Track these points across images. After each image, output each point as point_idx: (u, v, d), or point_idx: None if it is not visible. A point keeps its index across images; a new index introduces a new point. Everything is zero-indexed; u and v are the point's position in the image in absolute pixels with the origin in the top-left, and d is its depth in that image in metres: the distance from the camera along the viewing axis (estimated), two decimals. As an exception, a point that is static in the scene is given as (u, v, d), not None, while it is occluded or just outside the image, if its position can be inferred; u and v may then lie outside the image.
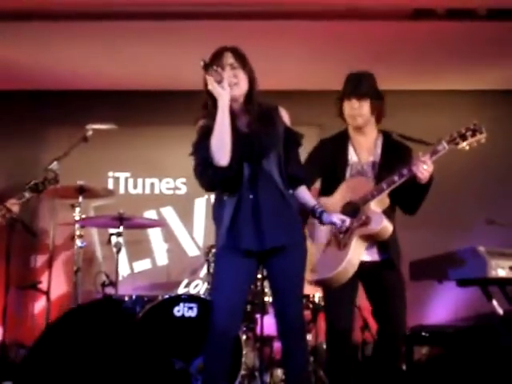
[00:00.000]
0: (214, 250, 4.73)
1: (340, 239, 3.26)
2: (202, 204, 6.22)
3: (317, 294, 4.47)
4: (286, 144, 2.96)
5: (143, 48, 5.45)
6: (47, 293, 5.17)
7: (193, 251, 6.18)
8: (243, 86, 2.89)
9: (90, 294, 5.14)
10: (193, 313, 4.24)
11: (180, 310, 4.25)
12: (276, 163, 2.91)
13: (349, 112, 3.44)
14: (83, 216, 4.90)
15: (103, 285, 4.74)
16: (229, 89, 2.81)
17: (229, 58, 2.90)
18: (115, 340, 3.33)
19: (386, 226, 3.24)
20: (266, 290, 4.33)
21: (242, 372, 4.14)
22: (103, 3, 4.86)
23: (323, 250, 3.30)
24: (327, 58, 5.48)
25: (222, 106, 2.79)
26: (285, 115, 3.02)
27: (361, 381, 3.68)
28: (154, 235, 6.15)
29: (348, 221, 3.05)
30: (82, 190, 4.86)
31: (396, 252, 3.39)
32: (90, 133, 4.54)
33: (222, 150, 2.78)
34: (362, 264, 3.27)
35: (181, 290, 5.72)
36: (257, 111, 2.92)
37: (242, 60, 2.92)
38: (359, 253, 3.26)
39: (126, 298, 4.53)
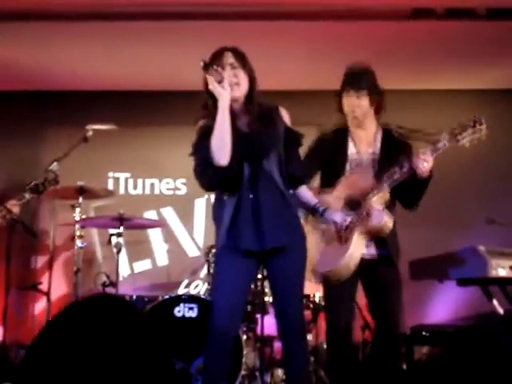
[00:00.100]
0: (214, 251, 4.73)
1: (341, 234, 3.27)
2: (202, 204, 6.22)
3: (317, 294, 4.47)
4: (286, 144, 2.96)
5: (143, 48, 5.45)
6: (47, 293, 5.16)
7: (193, 252, 6.18)
8: (244, 86, 2.89)
9: (90, 294, 5.14)
10: (193, 313, 4.25)
11: (180, 311, 4.26)
12: (276, 163, 2.91)
13: (347, 105, 3.45)
14: (83, 216, 4.91)
15: (103, 285, 4.75)
16: (229, 88, 2.81)
17: (229, 58, 2.90)
18: (116, 338, 3.33)
19: (386, 221, 3.24)
20: (267, 290, 4.33)
21: (243, 372, 4.15)
22: (103, 4, 4.86)
23: (325, 245, 3.31)
24: (327, 58, 5.48)
25: (223, 106, 2.79)
26: (285, 115, 3.03)
27: (361, 380, 3.68)
28: (154, 236, 6.15)
29: (349, 219, 3.06)
30: (82, 191, 4.86)
31: (395, 248, 3.40)
32: (90, 133, 4.54)
33: (222, 149, 2.78)
34: (361, 260, 3.28)
35: (181, 291, 5.71)
36: (257, 111, 2.92)
37: (242, 60, 2.92)
38: (360, 248, 3.27)
39: (127, 299, 4.54)
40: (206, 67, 2.81)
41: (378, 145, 3.47)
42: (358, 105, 3.42)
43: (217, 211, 2.95)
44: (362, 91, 3.40)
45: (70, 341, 3.34)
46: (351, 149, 3.47)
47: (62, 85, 6.16)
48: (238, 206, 2.84)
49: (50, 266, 5.68)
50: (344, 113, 3.49)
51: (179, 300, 4.30)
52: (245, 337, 4.34)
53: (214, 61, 2.87)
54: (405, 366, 3.52)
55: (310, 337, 4.43)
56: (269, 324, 3.98)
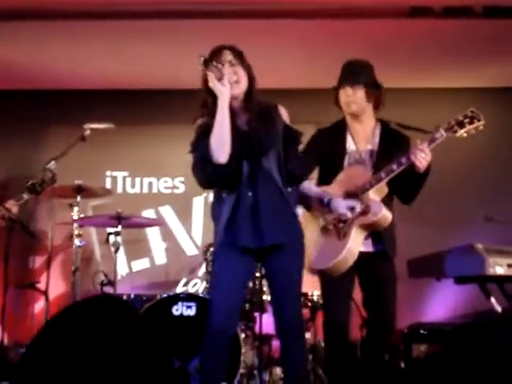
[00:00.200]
0: (212, 249, 4.73)
1: (340, 229, 3.28)
2: (201, 203, 6.22)
3: (315, 292, 4.48)
4: (285, 142, 2.97)
5: (141, 47, 5.44)
6: (46, 292, 5.16)
7: (191, 250, 6.18)
8: (243, 84, 2.90)
9: (88, 293, 5.11)
10: (191, 312, 4.25)
11: (178, 309, 4.26)
12: (275, 161, 2.91)
13: (343, 99, 3.46)
14: (81, 215, 4.91)
15: (102, 284, 4.74)
16: (229, 86, 2.82)
17: (227, 56, 2.91)
18: (114, 338, 3.33)
19: (384, 215, 3.25)
20: (265, 288, 4.33)
21: (241, 370, 4.15)
22: (101, 2, 4.86)
23: (323, 241, 3.31)
24: (324, 56, 5.48)
25: (223, 103, 2.80)
26: (284, 113, 3.03)
27: (359, 378, 3.69)
28: (153, 234, 6.15)
29: (358, 207, 3.10)
30: (79, 190, 4.86)
31: (391, 243, 3.41)
32: (87, 132, 4.54)
33: (221, 147, 2.78)
34: (359, 255, 3.29)
35: (179, 289, 5.72)
36: (256, 109, 2.93)
37: (241, 57, 2.93)
38: (359, 242, 3.28)
39: (125, 297, 4.55)
40: (206, 64, 2.82)
41: (377, 139, 3.48)
42: (353, 100, 3.43)
43: (216, 209, 2.95)
44: (358, 86, 3.41)
45: (68, 340, 3.35)
46: (349, 143, 3.48)
47: (60, 84, 6.15)
48: (236, 203, 2.85)
49: (48, 265, 5.67)
50: (341, 106, 3.50)
51: (177, 299, 4.30)
52: (243, 335, 4.35)
53: (213, 59, 2.87)
54: (403, 364, 3.53)
55: (308, 335, 4.43)
56: (267, 322, 3.98)
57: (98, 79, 6.08)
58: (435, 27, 5.12)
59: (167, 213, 6.24)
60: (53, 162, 4.23)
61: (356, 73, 3.43)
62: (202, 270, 5.33)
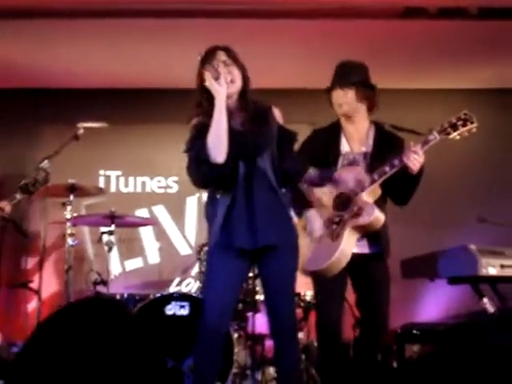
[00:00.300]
0: (205, 249, 4.73)
1: (333, 230, 3.28)
2: (194, 202, 6.22)
3: (308, 293, 4.47)
4: (280, 143, 2.97)
5: (136, 46, 5.44)
6: (38, 292, 5.15)
7: (184, 250, 6.18)
8: (238, 83, 2.90)
9: (81, 292, 5.12)
10: (185, 311, 4.24)
11: (172, 309, 4.25)
12: (270, 162, 2.91)
13: (334, 100, 3.47)
14: (74, 214, 4.90)
15: (95, 283, 4.73)
16: (226, 85, 2.82)
17: (222, 56, 2.91)
18: (108, 338, 3.32)
19: (377, 217, 3.25)
20: (258, 288, 4.33)
21: (234, 370, 4.15)
22: (97, 1, 4.85)
23: (316, 241, 3.32)
24: (321, 56, 5.46)
25: (220, 103, 2.80)
26: (278, 114, 3.04)
27: (352, 378, 3.69)
28: (146, 234, 6.14)
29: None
30: (73, 189, 4.85)
31: (385, 244, 3.41)
32: (81, 131, 4.52)
33: (218, 146, 2.77)
34: (352, 256, 3.29)
35: (172, 289, 5.72)
36: (251, 109, 2.93)
37: (234, 58, 2.93)
38: (352, 243, 3.28)
39: (118, 297, 4.54)
40: (202, 63, 2.82)
41: (371, 141, 3.48)
42: (344, 102, 3.43)
43: (210, 209, 2.94)
44: (348, 87, 3.42)
45: (62, 340, 3.34)
46: (343, 145, 3.48)
47: (55, 83, 6.14)
48: (232, 204, 2.84)
49: (40, 264, 5.67)
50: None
51: (171, 298, 4.30)
52: (236, 335, 4.34)
53: (207, 59, 2.87)
54: (395, 364, 3.53)
55: (301, 335, 4.43)
56: (260, 322, 3.99)
57: (92, 78, 6.07)
58: (430, 28, 5.13)
59: (160, 212, 6.24)
60: (46, 161, 4.21)
61: (346, 74, 3.44)
62: (196, 269, 5.33)
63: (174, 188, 6.30)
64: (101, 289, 4.69)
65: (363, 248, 3.36)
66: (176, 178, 6.25)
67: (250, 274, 4.12)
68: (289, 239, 2.94)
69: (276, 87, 5.59)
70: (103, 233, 4.81)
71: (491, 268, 2.96)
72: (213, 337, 2.82)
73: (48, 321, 3.46)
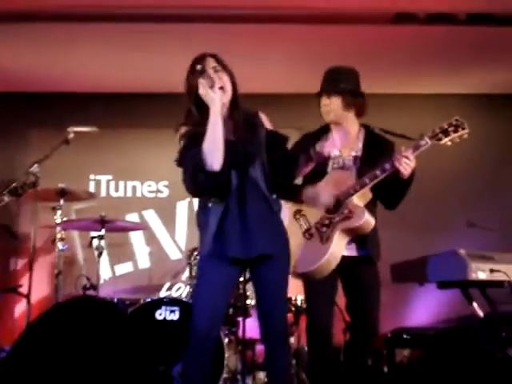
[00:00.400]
0: (196, 253, 4.73)
1: (322, 233, 3.29)
2: (184, 207, 6.21)
3: (299, 297, 4.48)
4: (271, 147, 2.96)
5: (126, 51, 5.44)
6: (28, 296, 5.12)
7: (175, 254, 6.17)
8: (229, 91, 2.89)
9: (71, 296, 5.10)
10: (175, 316, 4.24)
11: (162, 314, 4.25)
12: (260, 170, 2.91)
13: (321, 108, 3.49)
14: (64, 219, 4.89)
15: (84, 288, 4.72)
16: (220, 93, 2.82)
17: (211, 62, 2.90)
18: (98, 339, 3.31)
19: (367, 220, 3.26)
20: (249, 292, 4.33)
21: (225, 375, 4.14)
22: (88, 5, 4.84)
23: (306, 243, 3.32)
24: (309, 61, 5.48)
25: (215, 111, 2.79)
26: (265, 120, 3.04)
27: (342, 383, 3.69)
28: (136, 238, 6.13)
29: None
30: (63, 193, 4.84)
31: (375, 248, 3.41)
32: (71, 135, 4.51)
33: (215, 154, 2.76)
34: (342, 259, 3.30)
35: (163, 294, 5.70)
36: (241, 117, 2.92)
37: (223, 64, 2.93)
38: (341, 246, 3.29)
39: (108, 301, 4.52)
40: (193, 71, 2.83)
41: (360, 145, 3.48)
42: (330, 109, 3.44)
43: (201, 218, 2.92)
44: (334, 95, 3.42)
45: (51, 342, 3.32)
46: (333, 149, 3.48)
47: (44, 86, 6.13)
48: (224, 213, 2.83)
49: (30, 268, 5.63)
50: None
51: (161, 303, 4.29)
52: (226, 340, 4.34)
53: (197, 66, 2.87)
54: (386, 369, 3.54)
55: (291, 339, 4.43)
56: (251, 327, 3.98)
57: (82, 82, 6.06)
58: (420, 34, 5.15)
59: (151, 217, 6.22)
60: (36, 166, 4.20)
61: (333, 81, 3.44)
62: (186, 274, 5.30)
63: (165, 192, 6.30)
64: (90, 293, 4.68)
65: (352, 251, 3.37)
66: (166, 183, 6.25)
67: (241, 279, 4.11)
68: (282, 248, 2.94)
69: (264, 92, 5.60)
70: (93, 237, 4.79)
71: (481, 272, 2.98)
72: (203, 341, 2.81)
73: (37, 321, 3.45)
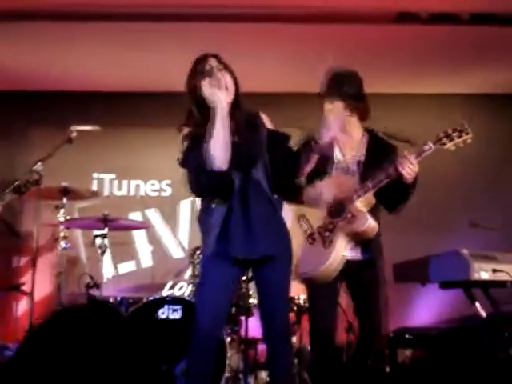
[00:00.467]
0: (198, 252, 4.73)
1: (325, 237, 3.28)
2: (187, 206, 6.22)
3: (301, 296, 4.48)
4: (272, 146, 2.96)
5: (128, 50, 5.44)
6: (31, 294, 5.13)
7: (177, 253, 6.18)
8: (232, 90, 2.89)
9: (73, 295, 5.11)
10: (177, 315, 4.24)
11: (164, 312, 4.25)
12: (263, 170, 2.91)
13: (324, 113, 3.46)
14: (67, 217, 4.89)
15: (87, 286, 4.72)
16: (225, 91, 2.82)
17: (213, 62, 2.90)
18: (101, 342, 3.32)
19: (370, 225, 3.25)
20: (251, 292, 4.33)
21: (227, 374, 4.14)
22: (86, 4, 4.85)
23: (309, 247, 3.32)
24: (309, 60, 5.48)
25: (222, 110, 2.78)
26: (266, 120, 3.04)
27: (345, 383, 3.69)
28: (139, 237, 6.14)
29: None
30: (66, 192, 4.84)
31: (378, 251, 3.40)
32: (74, 134, 4.52)
33: (223, 154, 2.74)
34: (346, 262, 3.29)
35: (165, 292, 5.70)
36: (243, 118, 2.92)
37: (225, 64, 2.93)
38: (344, 250, 3.28)
39: (111, 300, 4.53)
40: (196, 71, 2.83)
41: (363, 149, 3.47)
42: (334, 113, 3.42)
43: (204, 218, 2.92)
44: (336, 100, 3.41)
45: (57, 343, 3.33)
46: (336, 153, 3.47)
47: (47, 85, 6.14)
48: (228, 213, 2.83)
49: (33, 266, 5.64)
50: None
51: (163, 302, 4.29)
52: (229, 339, 4.33)
53: (199, 66, 2.87)
54: (388, 369, 3.54)
55: (293, 339, 4.43)
56: (253, 326, 3.98)
57: (84, 81, 6.07)
58: (422, 33, 5.15)
59: (154, 216, 6.23)
60: (39, 164, 4.22)
61: (336, 86, 3.42)
62: (189, 273, 5.32)
63: (168, 191, 6.31)
64: (93, 292, 4.68)
65: (355, 254, 3.36)
66: (169, 182, 6.26)
67: (243, 278, 4.11)
68: (285, 249, 2.95)
69: (264, 91, 5.60)
70: (96, 236, 4.80)
71: (483, 272, 2.98)
72: (206, 341, 2.82)
73: (41, 325, 3.45)
